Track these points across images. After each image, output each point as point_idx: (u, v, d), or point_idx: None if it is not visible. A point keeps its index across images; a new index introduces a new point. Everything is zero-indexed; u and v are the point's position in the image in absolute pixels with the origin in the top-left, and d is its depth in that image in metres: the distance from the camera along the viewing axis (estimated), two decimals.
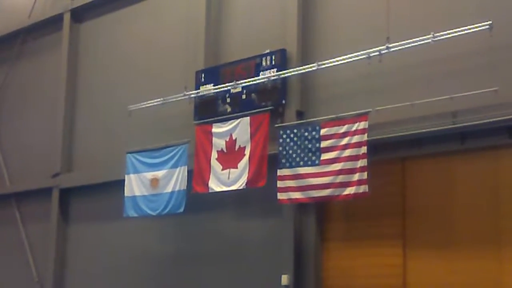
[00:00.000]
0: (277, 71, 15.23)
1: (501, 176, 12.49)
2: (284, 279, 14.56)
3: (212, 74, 16.53)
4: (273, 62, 15.39)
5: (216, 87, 16.12)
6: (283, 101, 15.13)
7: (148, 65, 18.93)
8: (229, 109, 15.97)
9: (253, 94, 15.57)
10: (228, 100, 15.99)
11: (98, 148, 19.93)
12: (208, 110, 16.39)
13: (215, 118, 16.03)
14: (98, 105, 20.28)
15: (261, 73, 15.50)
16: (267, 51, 15.62)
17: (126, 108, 18.16)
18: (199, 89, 16.59)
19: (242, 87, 15.72)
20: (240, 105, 15.74)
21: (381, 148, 13.50)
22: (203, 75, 16.70)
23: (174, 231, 17.11)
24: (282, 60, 15.30)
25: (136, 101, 18.25)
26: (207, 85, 16.48)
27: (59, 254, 20.29)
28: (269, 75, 15.20)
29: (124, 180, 17.38)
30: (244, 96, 15.73)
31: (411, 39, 12.85)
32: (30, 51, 23.11)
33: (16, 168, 22.64)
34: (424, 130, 12.91)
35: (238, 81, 15.70)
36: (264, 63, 15.53)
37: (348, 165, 13.20)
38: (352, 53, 13.79)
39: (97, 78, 20.52)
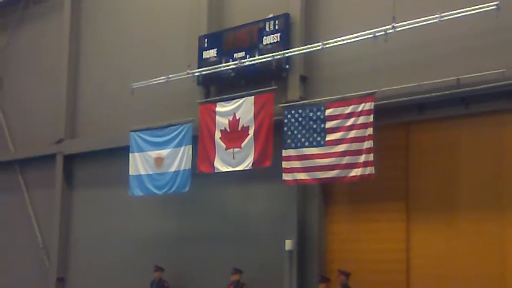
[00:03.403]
0: (280, 36, 15.14)
1: (504, 140, 12.51)
2: (288, 244, 14.64)
3: (215, 39, 16.44)
4: (276, 27, 15.28)
5: (220, 65, 15.99)
6: (287, 66, 15.03)
7: (151, 31, 18.82)
8: (232, 74, 15.88)
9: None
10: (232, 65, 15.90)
11: (101, 114, 19.89)
12: (211, 75, 16.29)
13: (219, 97, 15.96)
14: (101, 70, 20.20)
15: (264, 38, 15.39)
16: (271, 15, 15.50)
17: (129, 76, 18.16)
18: (202, 54, 16.55)
19: (246, 52, 15.62)
20: (243, 70, 15.64)
21: (385, 113, 13.43)
22: (206, 40, 16.61)
23: (178, 196, 17.14)
24: (285, 25, 15.19)
25: (139, 68, 18.32)
26: (210, 50, 16.40)
27: (63, 220, 20.38)
28: (273, 53, 14.96)
29: (128, 146, 17.40)
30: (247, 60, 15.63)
31: (417, 19, 12.71)
32: (33, 16, 22.97)
33: (20, 134, 22.63)
34: (428, 95, 12.85)
35: (240, 46, 15.72)
36: (267, 28, 15.42)
37: (354, 146, 13.15)
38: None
39: (100, 44, 20.43)
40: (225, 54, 16.06)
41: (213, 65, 16.20)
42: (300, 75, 15.02)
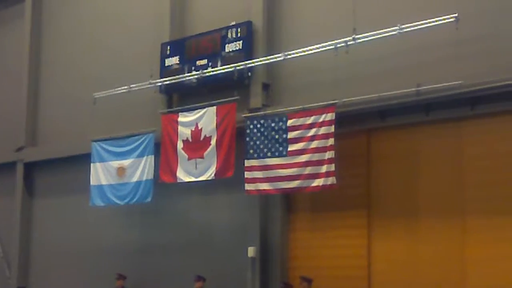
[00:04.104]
0: (242, 44, 15.18)
1: (464, 147, 12.64)
2: (251, 251, 14.64)
3: (178, 47, 16.42)
4: (239, 35, 15.32)
5: (182, 76, 15.96)
6: (249, 74, 15.06)
7: (113, 38, 18.77)
8: (195, 82, 15.86)
9: (219, 65, 15.44)
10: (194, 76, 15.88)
11: (63, 121, 19.74)
12: (173, 83, 16.22)
13: (181, 108, 15.94)
14: (63, 78, 20.05)
15: (227, 45, 15.43)
16: (233, 23, 15.53)
17: (91, 83, 18.11)
18: (164, 61, 16.54)
19: (208, 59, 15.64)
20: (206, 78, 15.62)
21: (347, 120, 13.54)
22: (168, 48, 16.59)
23: (141, 205, 17.06)
24: (247, 32, 15.23)
25: (101, 76, 18.25)
26: (172, 58, 16.38)
27: (24, 229, 20.18)
28: (235, 64, 14.99)
29: (90, 154, 17.31)
30: (210, 69, 15.59)
31: (377, 30, 12.84)
32: None
33: None
34: (389, 103, 12.95)
35: (203, 53, 15.77)
36: (229, 36, 15.45)
37: (316, 156, 13.25)
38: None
39: (61, 51, 20.28)
40: (187, 62, 16.06)
41: (176, 73, 16.18)
42: (263, 83, 15.06)
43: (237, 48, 15.27)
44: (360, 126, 13.78)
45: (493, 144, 12.29)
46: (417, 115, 13.05)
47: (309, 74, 14.47)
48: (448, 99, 12.39)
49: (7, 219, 20.69)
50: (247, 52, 15.08)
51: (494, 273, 11.99)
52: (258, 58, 15.00)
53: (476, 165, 12.44)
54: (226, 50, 15.42)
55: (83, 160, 17.57)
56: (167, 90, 16.51)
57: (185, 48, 16.23)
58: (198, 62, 15.83)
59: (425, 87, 12.46)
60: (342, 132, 13.39)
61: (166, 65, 16.48)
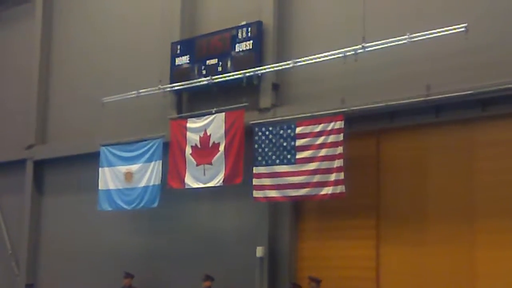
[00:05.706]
0: (253, 44, 15.17)
1: (475, 148, 12.57)
2: (259, 251, 14.62)
3: (188, 46, 16.42)
4: (249, 34, 15.30)
5: (192, 81, 15.99)
6: (259, 74, 15.02)
7: (123, 38, 18.76)
8: (204, 82, 15.85)
9: (229, 65, 15.46)
10: (204, 72, 15.89)
11: (73, 120, 19.75)
12: (183, 81, 16.23)
13: (190, 113, 16.00)
14: (73, 77, 20.06)
15: (237, 45, 15.41)
16: (243, 23, 15.52)
17: (100, 82, 18.17)
18: (174, 60, 16.53)
19: (218, 59, 15.63)
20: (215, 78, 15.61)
21: (356, 121, 13.50)
22: (178, 47, 16.58)
23: (149, 210, 17.05)
24: (258, 32, 15.21)
25: (110, 76, 18.33)
26: (182, 57, 16.38)
27: (33, 226, 20.21)
28: (244, 71, 14.98)
29: (99, 152, 17.36)
30: (220, 68, 15.62)
31: (387, 38, 12.82)
32: (3, 20, 22.74)
33: None
34: (398, 103, 12.90)
35: (213, 53, 15.73)
36: (240, 35, 15.44)
37: (324, 164, 13.24)
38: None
39: (71, 51, 20.28)
40: (197, 61, 16.05)
41: (186, 72, 16.21)
42: (272, 83, 15.05)
43: (248, 48, 15.25)
44: (369, 127, 13.73)
45: (504, 145, 12.20)
46: (426, 116, 12.98)
47: (318, 77, 14.43)
48: (458, 100, 12.34)
49: (16, 216, 20.75)
50: (257, 52, 15.07)
51: (505, 278, 11.91)
52: (268, 58, 15.01)
53: (487, 167, 12.37)
54: (236, 50, 15.41)
55: (93, 158, 17.59)
56: (177, 90, 16.48)
57: (195, 47, 16.22)
58: (208, 62, 15.81)
59: (434, 97, 12.44)
60: (351, 132, 13.37)
61: (176, 64, 16.47)
